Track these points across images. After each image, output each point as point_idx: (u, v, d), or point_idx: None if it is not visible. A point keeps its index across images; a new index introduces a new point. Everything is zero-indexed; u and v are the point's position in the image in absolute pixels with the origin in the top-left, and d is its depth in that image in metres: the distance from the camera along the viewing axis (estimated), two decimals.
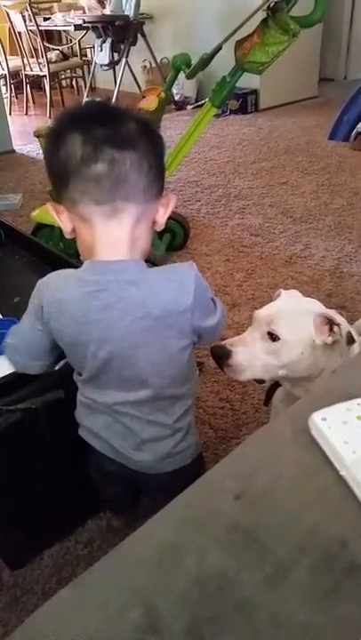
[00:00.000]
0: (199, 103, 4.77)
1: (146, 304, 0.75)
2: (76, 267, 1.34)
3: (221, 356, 0.98)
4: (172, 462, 0.91)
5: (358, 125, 3.68)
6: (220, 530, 0.44)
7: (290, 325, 0.95)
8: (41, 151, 2.13)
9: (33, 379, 1.00)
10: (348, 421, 0.52)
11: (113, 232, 0.73)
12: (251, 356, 0.96)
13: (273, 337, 0.95)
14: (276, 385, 1.12)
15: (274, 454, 0.52)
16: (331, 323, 0.94)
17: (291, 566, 0.41)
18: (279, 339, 0.94)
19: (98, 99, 0.93)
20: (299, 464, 0.50)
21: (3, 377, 0.99)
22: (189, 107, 4.94)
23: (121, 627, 0.38)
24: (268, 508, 0.46)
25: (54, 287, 0.79)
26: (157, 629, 0.38)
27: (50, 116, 5.04)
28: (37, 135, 2.13)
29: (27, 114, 5.27)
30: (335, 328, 0.94)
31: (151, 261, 0.79)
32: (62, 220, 0.76)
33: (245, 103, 4.69)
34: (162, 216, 0.79)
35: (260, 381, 1.03)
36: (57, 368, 1.03)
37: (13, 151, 4.07)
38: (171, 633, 0.37)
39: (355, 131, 3.68)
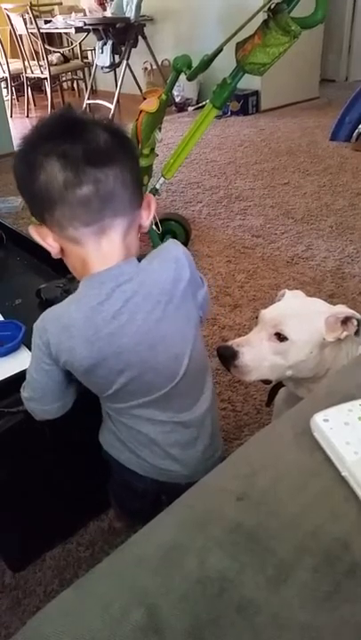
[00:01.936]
0: (200, 105, 4.78)
1: (151, 295, 0.74)
2: None
3: (228, 357, 0.97)
4: (204, 469, 0.89)
5: (360, 126, 3.68)
6: (221, 531, 0.44)
7: (298, 326, 0.95)
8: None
9: None
10: (349, 422, 0.52)
11: (105, 248, 0.73)
12: (257, 357, 0.96)
13: (280, 337, 0.94)
14: (278, 385, 1.11)
15: (276, 455, 0.52)
16: (346, 319, 0.94)
17: (292, 567, 0.41)
18: (287, 339, 0.94)
19: (63, 109, 0.88)
20: (301, 465, 0.50)
21: (4, 379, 0.99)
22: (190, 108, 4.95)
23: (123, 628, 0.38)
24: (269, 509, 0.46)
25: (54, 318, 0.76)
26: (159, 630, 0.38)
27: None
28: None
29: (28, 116, 5.28)
30: (353, 321, 0.94)
31: None
32: (49, 244, 0.74)
33: (246, 104, 4.69)
34: (146, 219, 0.78)
35: (267, 382, 1.03)
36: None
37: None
38: (172, 634, 0.37)
39: (356, 131, 3.69)
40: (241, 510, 0.46)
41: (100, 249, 0.72)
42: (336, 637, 0.36)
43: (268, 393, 1.17)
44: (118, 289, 0.73)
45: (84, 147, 0.68)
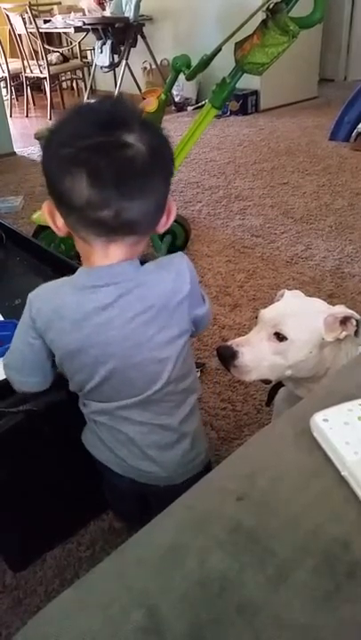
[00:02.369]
0: (199, 104, 4.78)
1: (147, 298, 0.75)
2: (74, 268, 1.34)
3: (227, 357, 0.97)
4: (184, 473, 0.90)
5: (359, 126, 3.68)
6: (221, 531, 0.44)
7: (297, 325, 0.95)
8: (42, 154, 2.11)
9: None
10: (349, 422, 0.52)
11: (112, 251, 0.72)
12: (257, 357, 0.96)
13: (280, 337, 0.95)
14: (278, 385, 1.11)
15: (276, 455, 0.52)
16: (345, 319, 0.94)
17: (293, 568, 0.41)
18: (286, 339, 0.94)
19: (113, 102, 0.70)
20: (301, 465, 0.50)
21: (4, 379, 0.99)
22: (190, 108, 4.95)
23: (123, 628, 0.38)
24: (270, 509, 0.46)
25: (47, 297, 0.78)
26: (159, 631, 0.38)
27: (50, 118, 5.04)
28: (38, 137, 2.13)
29: (27, 116, 5.28)
30: (352, 321, 0.94)
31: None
32: (57, 225, 0.73)
33: (246, 104, 4.70)
34: (163, 226, 0.76)
35: (267, 381, 1.03)
36: (58, 370, 1.03)
37: (14, 153, 4.08)
38: (173, 634, 0.37)
39: (355, 131, 3.69)
40: (241, 510, 0.46)
41: (107, 250, 0.73)
42: (336, 638, 0.37)
43: (267, 393, 1.18)
44: (114, 285, 0.74)
45: (119, 169, 0.65)
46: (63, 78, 5.62)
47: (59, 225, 0.73)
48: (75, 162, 0.65)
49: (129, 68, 4.64)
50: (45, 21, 5.14)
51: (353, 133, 3.70)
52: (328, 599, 0.39)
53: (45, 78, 4.93)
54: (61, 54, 5.31)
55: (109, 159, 0.65)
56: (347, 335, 0.95)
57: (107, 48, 4.53)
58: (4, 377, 0.99)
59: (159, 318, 0.76)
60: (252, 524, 0.45)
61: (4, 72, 5.31)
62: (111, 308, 0.74)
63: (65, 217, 0.71)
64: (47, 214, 0.73)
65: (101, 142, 0.65)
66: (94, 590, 0.42)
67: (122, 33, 4.46)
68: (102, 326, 0.75)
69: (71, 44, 5.56)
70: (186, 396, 0.88)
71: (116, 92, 4.65)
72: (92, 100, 0.75)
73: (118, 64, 4.59)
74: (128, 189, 0.66)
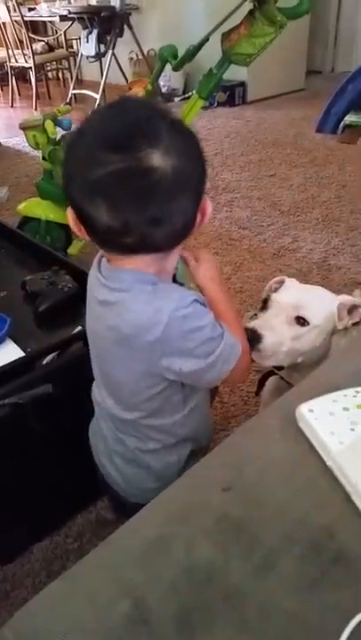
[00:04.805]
0: (186, 95, 4.75)
1: (120, 317, 0.70)
2: (60, 260, 1.33)
3: (252, 340, 0.90)
4: (138, 495, 0.85)
5: (346, 118, 3.69)
6: (208, 521, 0.45)
7: (318, 310, 0.94)
8: (27, 144, 2.08)
9: (20, 373, 1.00)
10: (334, 412, 0.52)
11: (133, 260, 0.68)
12: (278, 341, 0.93)
13: (300, 322, 0.94)
14: (268, 374, 1.11)
15: (262, 446, 0.52)
16: (354, 308, 0.95)
17: (279, 556, 0.41)
18: (308, 324, 0.93)
19: (120, 108, 0.65)
20: (287, 455, 0.51)
21: None
22: (177, 99, 4.91)
23: (111, 618, 0.38)
24: (256, 498, 0.46)
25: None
26: (147, 620, 0.38)
27: (35, 109, 4.98)
28: (23, 128, 2.10)
29: (12, 106, 5.20)
30: (358, 311, 0.94)
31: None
32: (81, 232, 0.68)
33: (233, 95, 4.68)
34: (198, 226, 0.69)
35: (280, 368, 1.01)
36: (44, 362, 1.03)
37: None
38: (160, 623, 0.38)
39: (342, 123, 3.69)
40: (228, 500, 0.46)
41: (128, 260, 0.68)
42: (321, 624, 0.37)
43: (257, 382, 1.18)
44: (108, 289, 0.70)
45: (140, 198, 0.60)
46: (49, 68, 5.54)
47: (83, 234, 0.69)
48: (93, 190, 0.61)
49: (115, 58, 4.59)
50: (30, 9, 5.05)
51: (340, 125, 3.71)
52: (314, 586, 0.39)
53: (31, 68, 4.85)
54: (47, 43, 5.22)
55: (130, 189, 0.60)
56: (353, 324, 0.95)
57: (93, 37, 4.47)
58: None
59: (124, 344, 0.71)
60: (239, 513, 0.45)
61: None
62: (101, 306, 0.73)
63: (88, 234, 0.67)
64: (71, 221, 0.69)
65: (119, 170, 0.59)
66: (82, 581, 0.42)
67: (108, 22, 4.40)
68: (93, 315, 0.77)
69: (57, 33, 5.47)
70: (156, 435, 0.81)
71: (103, 83, 4.59)
72: (107, 106, 0.67)
73: (104, 54, 4.53)
74: (152, 216, 0.61)
